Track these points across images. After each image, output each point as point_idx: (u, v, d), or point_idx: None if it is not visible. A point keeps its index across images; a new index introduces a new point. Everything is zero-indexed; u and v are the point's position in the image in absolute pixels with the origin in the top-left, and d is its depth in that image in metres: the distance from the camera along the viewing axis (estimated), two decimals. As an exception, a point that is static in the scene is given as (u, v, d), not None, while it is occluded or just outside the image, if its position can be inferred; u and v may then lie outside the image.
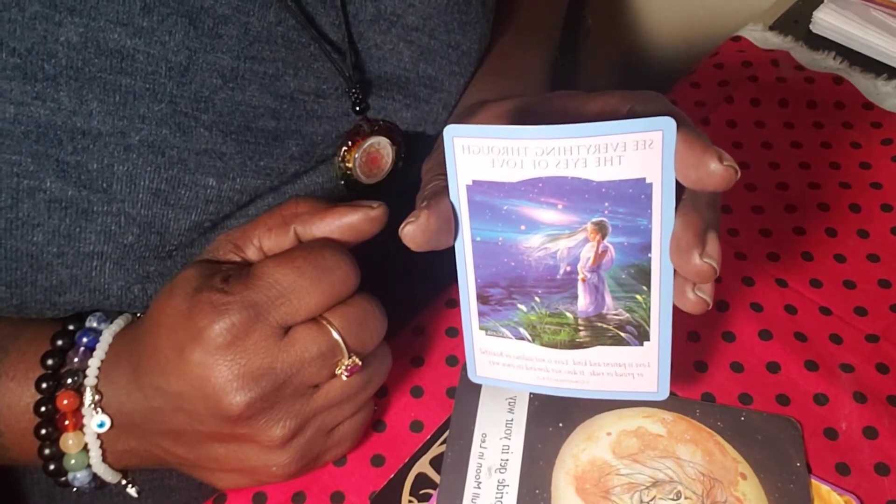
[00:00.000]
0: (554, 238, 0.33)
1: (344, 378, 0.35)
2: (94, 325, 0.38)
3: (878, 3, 0.63)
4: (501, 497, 0.38)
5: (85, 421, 0.36)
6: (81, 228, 0.35)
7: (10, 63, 0.32)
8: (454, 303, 0.47)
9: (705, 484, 0.38)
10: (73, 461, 0.37)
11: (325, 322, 0.34)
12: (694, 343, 0.44)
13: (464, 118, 0.40)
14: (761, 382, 0.43)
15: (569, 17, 0.69)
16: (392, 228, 0.33)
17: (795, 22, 0.64)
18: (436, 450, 0.40)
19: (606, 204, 0.32)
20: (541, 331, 0.36)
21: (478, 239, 0.34)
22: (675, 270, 0.33)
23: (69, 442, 0.36)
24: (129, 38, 0.34)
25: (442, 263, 0.38)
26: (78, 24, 0.33)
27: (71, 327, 0.38)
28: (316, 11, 0.39)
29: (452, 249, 0.35)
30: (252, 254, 0.36)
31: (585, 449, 0.40)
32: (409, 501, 0.39)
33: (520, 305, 0.35)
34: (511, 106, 0.37)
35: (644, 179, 0.31)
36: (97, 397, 0.36)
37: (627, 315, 0.34)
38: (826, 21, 0.62)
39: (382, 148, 0.42)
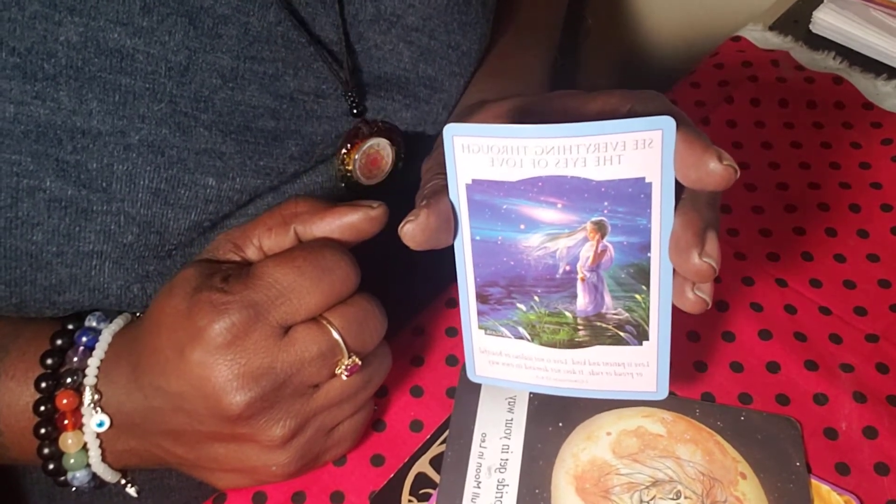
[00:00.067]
0: (553, 237, 0.33)
1: (344, 378, 0.35)
2: (94, 324, 0.38)
3: (878, 3, 0.63)
4: (501, 497, 0.38)
5: (84, 420, 0.36)
6: (81, 228, 0.35)
7: (9, 62, 0.32)
8: (454, 302, 0.47)
9: (705, 483, 0.38)
10: (72, 460, 0.37)
11: (325, 322, 0.34)
12: (694, 343, 0.44)
13: (464, 118, 0.40)
14: (761, 382, 0.43)
15: (569, 17, 0.69)
16: (392, 228, 0.33)
17: (795, 22, 0.64)
18: (436, 449, 0.40)
19: (606, 203, 0.32)
20: (540, 330, 0.36)
21: (477, 238, 0.34)
22: (674, 270, 0.33)
23: (68, 441, 0.36)
24: (128, 38, 0.34)
25: (442, 263, 0.38)
26: (78, 24, 0.33)
27: (70, 327, 0.38)
28: (317, 12, 0.39)
29: (452, 249, 0.35)
30: (252, 253, 0.36)
31: (585, 448, 0.40)
32: (409, 501, 0.39)
33: (519, 305, 0.35)
34: (511, 105, 0.37)
35: (643, 179, 0.31)
36: (96, 397, 0.36)
37: (627, 314, 0.34)
38: (826, 21, 0.62)
39: (382, 149, 0.42)
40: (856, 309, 0.46)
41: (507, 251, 0.34)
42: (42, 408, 0.36)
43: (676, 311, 0.34)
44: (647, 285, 0.33)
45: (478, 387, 0.42)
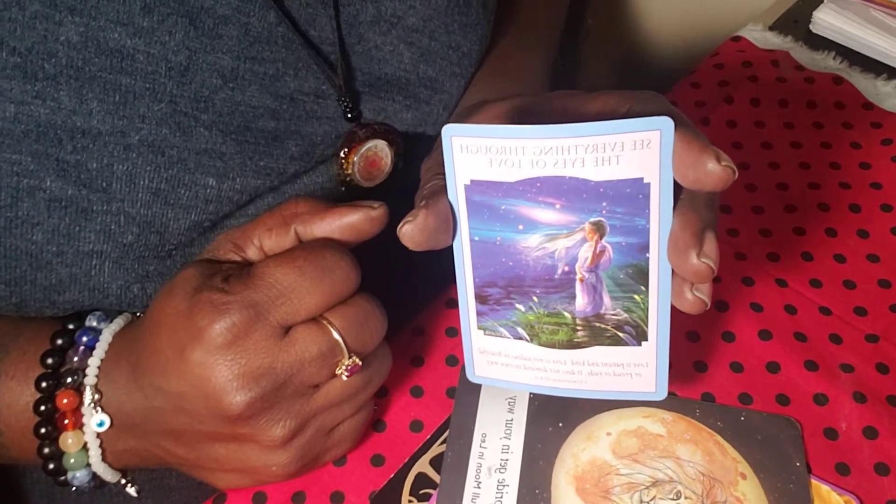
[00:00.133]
0: (552, 238, 0.33)
1: (344, 378, 0.35)
2: (94, 324, 0.38)
3: (878, 3, 0.63)
4: (501, 497, 0.38)
5: (84, 420, 0.36)
6: (81, 227, 0.35)
7: (10, 62, 0.32)
8: (454, 303, 0.47)
9: (705, 484, 0.38)
10: (72, 460, 0.37)
11: (325, 322, 0.34)
12: (693, 343, 0.44)
13: (463, 118, 0.40)
14: (761, 382, 0.43)
15: (569, 17, 0.69)
16: (392, 228, 0.33)
17: (795, 22, 0.64)
18: (436, 450, 0.40)
19: (604, 204, 0.32)
20: (539, 331, 0.36)
21: (476, 238, 0.34)
22: (673, 270, 0.33)
23: (69, 441, 0.36)
24: (129, 38, 0.34)
25: (441, 263, 0.38)
26: (78, 24, 0.33)
27: (71, 326, 0.38)
28: (317, 13, 0.39)
29: (451, 249, 0.35)
30: (252, 253, 0.36)
31: (585, 449, 0.40)
32: (409, 501, 0.39)
33: (518, 305, 0.35)
34: (510, 106, 0.37)
35: (642, 179, 0.31)
36: (97, 396, 0.36)
37: (625, 315, 0.34)
38: (826, 21, 0.62)
39: (380, 150, 0.42)
40: (856, 309, 0.46)
41: (506, 252, 0.34)
42: (42, 407, 0.36)
43: (676, 312, 0.34)
44: (646, 286, 0.33)
45: (478, 387, 0.42)
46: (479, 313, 0.36)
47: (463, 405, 0.41)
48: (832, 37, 0.62)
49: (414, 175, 0.39)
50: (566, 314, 0.35)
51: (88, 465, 0.37)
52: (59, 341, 0.37)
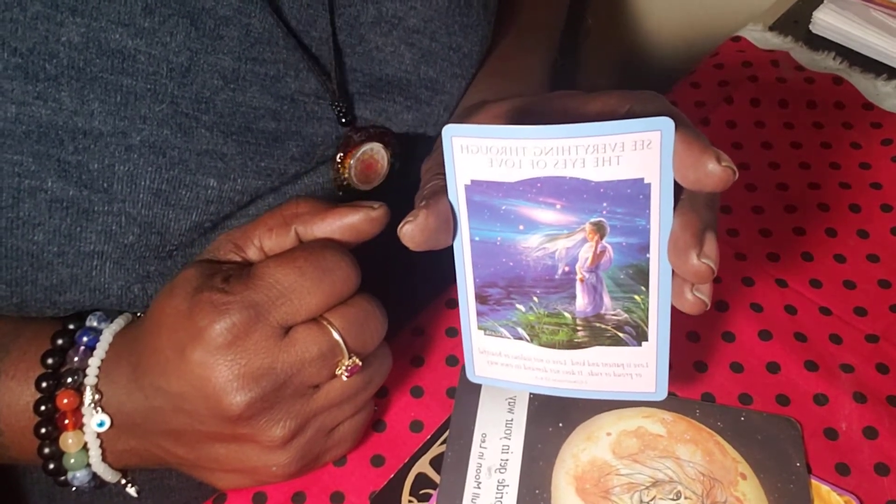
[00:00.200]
0: (552, 238, 0.33)
1: (344, 378, 0.35)
2: (95, 324, 0.38)
3: (878, 4, 0.63)
4: (501, 497, 0.38)
5: (85, 420, 0.36)
6: (82, 228, 0.35)
7: (11, 63, 0.32)
8: (454, 303, 0.47)
9: (705, 484, 0.38)
10: (72, 460, 0.37)
11: (325, 322, 0.34)
12: (694, 343, 0.44)
13: (463, 118, 0.40)
14: (761, 382, 0.43)
15: (569, 17, 0.69)
16: (392, 229, 0.33)
17: (795, 22, 0.64)
18: (436, 450, 0.40)
19: (605, 204, 0.32)
20: (539, 331, 0.36)
21: (476, 239, 0.34)
22: (673, 271, 0.33)
23: (69, 441, 0.36)
24: (130, 39, 0.34)
25: (442, 263, 0.38)
26: (79, 25, 0.33)
27: (71, 326, 0.38)
28: (317, 14, 0.39)
29: (451, 249, 0.35)
30: (253, 254, 0.36)
31: (585, 449, 0.40)
32: (409, 501, 0.39)
33: (518, 305, 0.35)
34: (510, 106, 0.37)
35: (642, 180, 0.31)
36: (97, 396, 0.36)
37: (626, 315, 0.34)
38: (826, 21, 0.62)
39: (376, 153, 0.42)
40: (856, 309, 0.46)
41: (506, 252, 0.34)
42: (42, 407, 0.36)
43: (677, 312, 0.34)
44: (646, 286, 0.33)
45: (478, 387, 0.42)
46: (479, 313, 0.36)
47: (463, 405, 0.41)
48: (832, 37, 0.62)
49: (414, 176, 0.39)
50: (566, 314, 0.35)
51: (88, 465, 0.37)
52: (60, 341, 0.37)
